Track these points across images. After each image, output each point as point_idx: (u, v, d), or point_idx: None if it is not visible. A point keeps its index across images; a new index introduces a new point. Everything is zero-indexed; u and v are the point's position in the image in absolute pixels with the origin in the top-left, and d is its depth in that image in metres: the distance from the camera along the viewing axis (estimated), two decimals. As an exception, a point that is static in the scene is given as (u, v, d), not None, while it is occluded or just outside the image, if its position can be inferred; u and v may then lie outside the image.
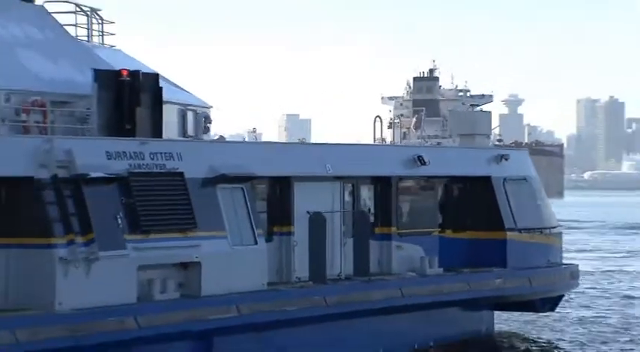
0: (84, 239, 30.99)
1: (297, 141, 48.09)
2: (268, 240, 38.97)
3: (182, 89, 42.22)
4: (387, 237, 42.94)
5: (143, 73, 35.49)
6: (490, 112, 50.95)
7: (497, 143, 51.46)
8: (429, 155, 44.68)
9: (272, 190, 39.69)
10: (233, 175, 36.26)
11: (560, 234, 51.59)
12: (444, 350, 44.59)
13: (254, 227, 37.07)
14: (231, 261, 35.80)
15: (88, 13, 40.37)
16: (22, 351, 29.54)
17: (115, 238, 32.19)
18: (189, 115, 39.59)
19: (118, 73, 34.55)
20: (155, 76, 36.23)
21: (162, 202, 34.41)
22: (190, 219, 34.73)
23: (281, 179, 39.38)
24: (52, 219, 30.72)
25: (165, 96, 37.96)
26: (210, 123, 42.02)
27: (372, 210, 43.46)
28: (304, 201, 39.73)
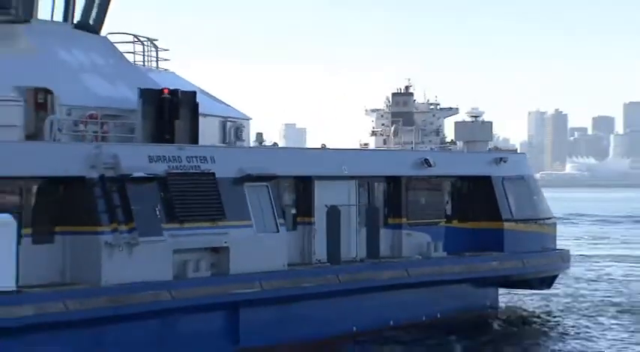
0: (126, 227, 32.80)
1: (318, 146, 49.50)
2: (293, 228, 40.86)
3: (224, 103, 43.57)
4: (398, 227, 44.40)
5: (182, 91, 37.07)
6: (490, 123, 51.75)
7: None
8: (435, 158, 46.19)
9: (296, 187, 41.22)
10: (258, 175, 37.87)
11: (554, 224, 52.37)
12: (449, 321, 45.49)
13: (276, 217, 38.62)
14: (256, 246, 37.26)
15: (145, 42, 42.18)
16: (71, 318, 31.42)
17: (153, 227, 33.95)
18: (229, 126, 40.91)
19: (160, 91, 36.39)
20: (193, 94, 37.65)
21: (195, 197, 36.05)
22: (220, 211, 36.44)
23: (304, 178, 40.88)
24: (99, 211, 32.53)
25: (207, 110, 40.21)
26: (242, 132, 42.55)
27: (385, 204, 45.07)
28: (323, 197, 41.17)
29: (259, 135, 50.40)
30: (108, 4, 41.15)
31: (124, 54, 42.63)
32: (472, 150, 51.90)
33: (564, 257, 52.26)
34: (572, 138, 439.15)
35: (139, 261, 33.62)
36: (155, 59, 43.18)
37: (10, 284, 30.01)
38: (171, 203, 35.18)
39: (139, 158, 34.62)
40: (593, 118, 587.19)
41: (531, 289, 52.99)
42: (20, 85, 34.59)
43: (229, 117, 42.00)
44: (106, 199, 33.07)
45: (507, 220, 48.33)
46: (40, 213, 33.24)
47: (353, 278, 41.23)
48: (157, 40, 43.90)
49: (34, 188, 33.40)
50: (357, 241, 42.67)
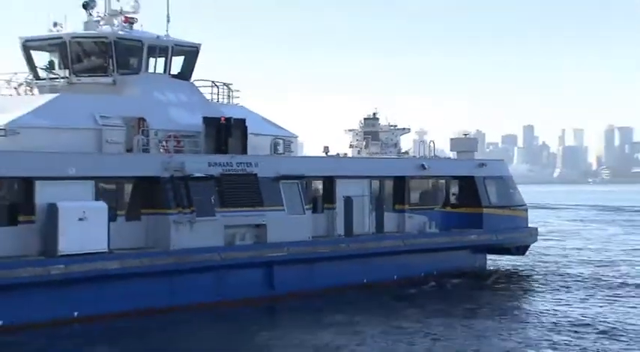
0: (188, 210, 36.04)
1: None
2: (322, 212, 43.44)
3: (277, 126, 45.22)
4: (402, 211, 46.67)
5: (235, 119, 39.81)
6: (476, 139, 53.97)
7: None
8: (429, 164, 48.46)
9: (323, 184, 43.81)
10: (290, 175, 40.68)
11: (526, 210, 53.41)
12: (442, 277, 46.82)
13: (303, 205, 41.04)
14: (287, 223, 39.97)
15: (220, 86, 44.14)
16: (145, 271, 34.49)
17: (208, 210, 36.99)
18: (279, 142, 42.94)
19: (219, 118, 39.33)
20: (242, 120, 40.27)
21: (241, 190, 38.80)
22: (259, 199, 39.17)
23: (329, 178, 43.44)
24: (169, 199, 35.76)
25: (262, 131, 42.90)
26: (290, 146, 44.82)
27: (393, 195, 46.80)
28: (342, 191, 43.56)
29: (326, 148, 53.07)
30: (195, 61, 43.10)
31: (208, 94, 43.98)
32: (461, 158, 53.03)
33: (532, 232, 53.52)
34: (488, 149, 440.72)
35: (198, 233, 36.34)
36: (229, 97, 44.42)
37: (103, 247, 33.25)
38: (223, 194, 37.88)
39: (200, 164, 37.37)
40: (502, 136, 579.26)
41: (511, 255, 54.04)
42: (125, 116, 37.29)
43: (279, 136, 43.51)
44: (173, 191, 36.02)
45: (486, 207, 49.87)
46: (132, 200, 36.22)
47: (361, 246, 43.35)
48: (231, 84, 44.91)
49: (129, 184, 36.17)
50: (369, 221, 44.58)
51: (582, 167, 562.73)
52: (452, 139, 53.57)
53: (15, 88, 40.15)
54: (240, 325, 34.73)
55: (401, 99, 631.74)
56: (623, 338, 31.34)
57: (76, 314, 32.58)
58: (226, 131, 39.32)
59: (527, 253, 54.82)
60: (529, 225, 53.93)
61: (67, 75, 39.78)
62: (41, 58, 41.33)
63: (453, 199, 50.57)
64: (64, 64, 40.03)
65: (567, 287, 45.55)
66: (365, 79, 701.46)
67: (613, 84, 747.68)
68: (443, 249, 47.75)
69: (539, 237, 56.07)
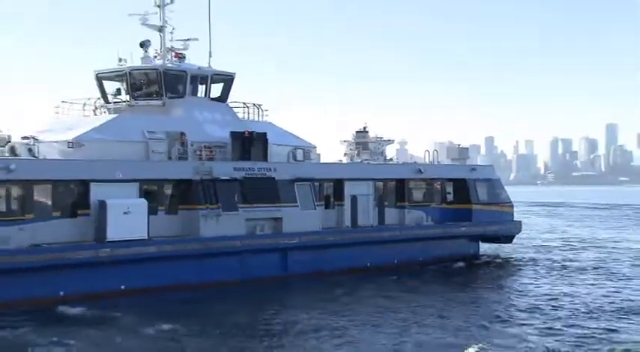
0: (215, 206, 37.62)
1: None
2: (333, 208, 44.35)
3: (298, 137, 46.07)
4: (402, 207, 47.41)
5: (257, 132, 41.11)
6: (467, 148, 55.09)
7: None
8: (426, 168, 49.24)
9: (334, 185, 44.61)
10: (304, 178, 42.00)
11: (512, 206, 53.54)
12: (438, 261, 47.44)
13: (314, 202, 42.12)
14: (300, 217, 41.13)
15: (249, 106, 45.22)
16: (178, 254, 36.18)
17: (232, 206, 38.43)
18: (298, 151, 43.93)
19: (243, 132, 40.72)
20: (264, 134, 41.37)
21: (261, 190, 40.05)
22: (277, 197, 40.43)
23: (338, 180, 44.48)
24: (199, 197, 37.40)
25: (283, 142, 43.79)
26: (310, 154, 45.52)
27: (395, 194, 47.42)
28: (350, 190, 44.63)
29: (392, 158, 53.35)
30: (230, 87, 44.38)
31: (243, 113, 45.19)
32: (454, 164, 53.25)
33: (517, 225, 53.64)
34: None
35: (223, 224, 37.88)
36: (260, 116, 45.50)
37: (143, 235, 35.05)
38: (245, 193, 39.22)
39: (226, 169, 38.86)
40: (469, 145, 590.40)
41: (500, 243, 54.27)
42: (168, 131, 39.02)
43: (299, 146, 44.43)
44: (203, 191, 37.58)
45: (475, 203, 50.44)
46: (171, 198, 37.81)
47: (364, 235, 44.36)
48: (261, 104, 45.99)
49: (168, 185, 37.72)
50: (372, 215, 45.44)
51: (532, 171, 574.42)
52: (448, 148, 54.64)
53: (86, 110, 42.19)
54: (259, 297, 36.00)
55: (385, 114, 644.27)
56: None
57: (122, 287, 34.29)
58: (249, 142, 40.61)
59: (513, 242, 54.93)
60: (514, 219, 53.91)
61: (128, 99, 41.90)
62: (110, 86, 43.10)
63: (448, 198, 50.65)
64: (126, 91, 42.08)
65: (534, 267, 47.89)
66: (356, 99, 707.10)
67: (557, 102, 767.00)
68: (435, 238, 48.05)
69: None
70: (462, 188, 50.68)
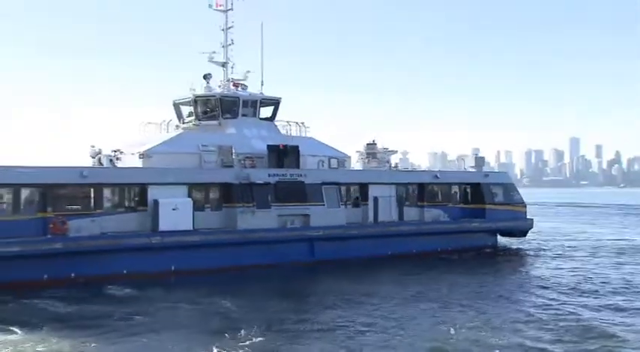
0: (250, 204, 41.30)
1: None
2: (359, 206, 47.11)
3: (333, 148, 48.75)
4: (422, 206, 50.00)
5: (290, 145, 44.30)
6: (484, 157, 57.16)
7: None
8: (442, 175, 51.44)
9: (360, 188, 47.52)
10: (330, 182, 45.01)
11: (524, 206, 54.88)
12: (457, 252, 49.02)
13: (339, 201, 44.96)
14: (326, 214, 44.20)
15: (292, 123, 48.74)
16: (218, 242, 39.50)
17: (265, 204, 41.90)
18: (333, 160, 47.35)
19: (279, 145, 44.01)
20: (296, 147, 44.40)
21: (292, 191, 43.33)
22: (305, 197, 43.59)
23: (363, 184, 47.35)
24: (237, 197, 41.13)
25: (317, 152, 46.92)
26: (344, 163, 48.62)
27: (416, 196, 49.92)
28: (373, 192, 47.47)
29: (396, 164, 55.00)
30: (277, 109, 47.83)
31: (286, 129, 48.34)
32: (469, 170, 55.21)
33: (529, 222, 54.80)
34: (448, 164, 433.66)
35: (257, 219, 41.42)
36: (302, 131, 48.97)
37: (189, 227, 38.86)
38: (278, 194, 42.62)
39: (262, 175, 42.38)
40: (458, 155, 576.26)
41: (515, 237, 55.86)
42: (219, 145, 42.81)
43: (333, 156, 47.53)
44: (241, 193, 41.22)
45: (489, 204, 52.40)
46: (216, 198, 41.42)
47: (383, 229, 46.78)
48: (304, 122, 49.29)
49: (214, 187, 41.29)
50: (394, 213, 48.11)
51: (511, 177, 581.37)
52: (460, 156, 56.88)
53: (163, 129, 46.86)
54: (288, 278, 38.90)
55: (390, 127, 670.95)
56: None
57: (173, 268, 38.09)
58: (283, 153, 44.01)
59: (527, 236, 56.21)
60: (527, 217, 55.07)
61: (195, 120, 46.35)
62: (186, 110, 47.88)
63: (463, 198, 52.52)
64: (194, 113, 46.48)
65: (537, 254, 50.83)
66: (364, 114, 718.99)
67: (531, 119, 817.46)
68: (449, 232, 49.91)
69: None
70: (477, 191, 52.54)
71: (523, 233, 54.96)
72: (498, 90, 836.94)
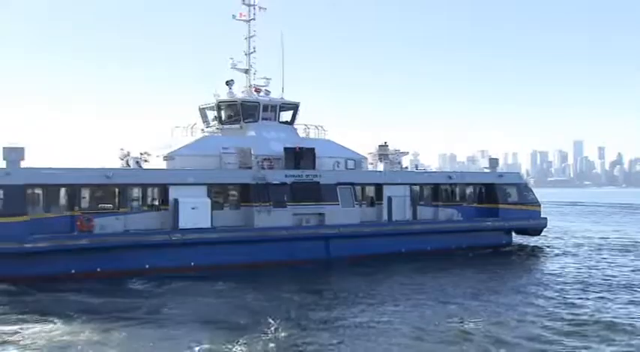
0: (267, 204, 42.43)
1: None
2: (374, 206, 47.87)
3: (349, 149, 49.58)
4: (436, 205, 50.54)
5: (305, 148, 45.30)
6: (498, 159, 56.79)
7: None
8: (455, 175, 51.95)
9: (375, 188, 48.38)
10: (344, 182, 45.86)
11: (539, 205, 55.09)
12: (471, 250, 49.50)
13: (354, 201, 45.76)
14: (340, 213, 45.05)
15: (310, 127, 49.78)
16: (235, 239, 40.56)
17: (281, 204, 42.94)
18: (350, 162, 48.22)
19: (295, 148, 45.08)
20: (312, 149, 45.32)
21: (307, 191, 44.27)
22: (319, 197, 44.53)
23: (379, 184, 48.18)
24: (254, 197, 42.21)
25: (334, 154, 47.92)
26: (362, 164, 49.30)
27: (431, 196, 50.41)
28: (388, 192, 48.16)
29: (415, 166, 55.86)
30: (296, 113, 48.90)
31: (305, 131, 49.38)
32: (482, 171, 55.71)
33: (542, 221, 54.97)
34: (457, 166, 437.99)
35: (273, 218, 42.54)
36: (320, 133, 50.02)
37: (207, 225, 40.14)
38: (293, 194, 43.65)
39: (278, 176, 43.44)
40: (467, 156, 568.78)
41: (530, 235, 56.13)
42: (239, 147, 44.09)
43: (350, 158, 48.42)
44: (258, 193, 42.39)
45: (502, 203, 52.84)
46: (234, 197, 42.80)
47: (396, 227, 47.48)
48: (322, 125, 50.45)
49: (233, 187, 42.73)
50: (408, 212, 48.73)
51: (524, 177, 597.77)
52: (470, 158, 57.94)
53: (188, 132, 48.09)
54: (304, 273, 39.88)
55: (400, 129, 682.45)
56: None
57: (192, 263, 39.31)
58: (299, 155, 45.16)
59: (541, 234, 56.61)
60: (541, 216, 55.25)
61: (218, 124, 47.68)
62: (211, 114, 48.89)
63: (477, 198, 52.97)
64: (217, 117, 47.82)
65: (548, 252, 50.73)
66: (376, 117, 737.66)
67: (536, 121, 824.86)
68: (462, 230, 50.37)
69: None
70: (491, 191, 53.02)
71: (537, 231, 55.35)
72: (504, 93, 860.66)
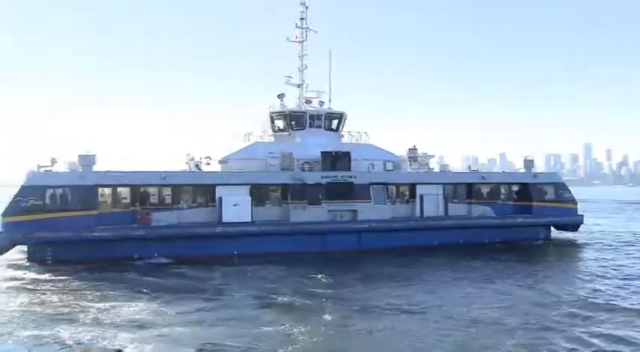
0: (302, 202, 44.94)
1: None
2: (407, 203, 49.23)
3: (388, 152, 50.82)
4: (470, 203, 51.36)
5: (341, 151, 47.25)
6: (532, 160, 56.16)
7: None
8: (488, 175, 52.66)
9: (409, 188, 49.73)
10: (377, 182, 47.69)
11: (575, 203, 54.47)
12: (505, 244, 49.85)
13: (385, 199, 47.45)
14: (372, 209, 46.87)
15: (354, 133, 51.05)
16: (274, 232, 42.94)
17: (316, 201, 45.49)
18: (388, 163, 49.63)
19: (331, 152, 47.24)
20: (347, 153, 47.20)
21: (341, 191, 46.33)
22: (352, 195, 46.56)
23: (412, 184, 49.69)
24: (291, 196, 44.86)
25: (371, 157, 49.43)
26: (400, 165, 50.35)
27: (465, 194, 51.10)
28: (420, 191, 49.56)
29: (444, 166, 56.20)
30: (341, 121, 50.71)
31: (349, 137, 51.07)
32: (516, 171, 55.86)
33: (579, 218, 54.50)
34: (478, 167, 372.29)
35: (308, 214, 45.04)
36: (362, 138, 51.40)
37: (248, 219, 43.20)
38: (328, 192, 45.94)
39: (315, 176, 45.89)
40: (488, 158, 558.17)
41: (567, 231, 55.64)
42: (283, 151, 46.71)
43: (388, 160, 49.98)
44: (294, 192, 44.98)
45: (535, 201, 52.85)
46: (275, 195, 45.37)
47: (426, 223, 48.40)
48: (366, 132, 51.66)
49: (274, 187, 44.84)
50: (441, 209, 49.71)
51: (561, 177, 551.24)
52: (526, 160, 57.11)
53: (246, 138, 50.78)
54: (339, 262, 41.53)
55: (426, 134, 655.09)
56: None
57: (235, 252, 42.35)
58: (336, 159, 47.58)
59: (579, 230, 56.13)
60: (577, 213, 54.95)
61: (271, 131, 50.68)
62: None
63: (512, 196, 53.27)
64: (271, 126, 50.91)
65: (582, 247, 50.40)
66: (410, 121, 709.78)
67: (550, 126, 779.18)
68: (494, 226, 50.81)
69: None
70: (524, 189, 53.41)
71: (574, 227, 55.13)
72: (519, 98, 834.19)
